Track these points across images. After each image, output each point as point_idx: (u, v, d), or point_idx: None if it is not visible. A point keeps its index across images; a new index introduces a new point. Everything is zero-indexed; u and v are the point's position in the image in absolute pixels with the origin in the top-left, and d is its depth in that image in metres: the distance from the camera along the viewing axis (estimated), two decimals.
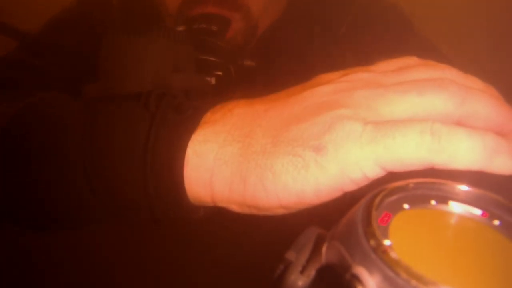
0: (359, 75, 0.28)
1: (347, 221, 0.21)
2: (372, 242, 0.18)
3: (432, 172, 0.23)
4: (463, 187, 0.23)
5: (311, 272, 0.22)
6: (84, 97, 0.39)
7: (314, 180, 0.24)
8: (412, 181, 0.23)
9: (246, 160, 0.26)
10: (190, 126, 0.28)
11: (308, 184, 0.24)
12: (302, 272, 0.23)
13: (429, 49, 0.56)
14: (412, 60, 0.29)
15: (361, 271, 0.17)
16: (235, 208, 0.28)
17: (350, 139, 0.24)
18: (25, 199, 0.33)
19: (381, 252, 0.18)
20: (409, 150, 0.23)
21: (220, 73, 0.45)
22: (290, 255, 0.24)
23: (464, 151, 0.22)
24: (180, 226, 0.35)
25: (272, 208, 0.26)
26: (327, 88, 0.27)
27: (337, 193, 0.25)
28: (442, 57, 0.54)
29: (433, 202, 0.23)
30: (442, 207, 0.23)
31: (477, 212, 0.22)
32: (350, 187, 0.24)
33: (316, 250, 0.23)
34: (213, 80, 0.44)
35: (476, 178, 0.23)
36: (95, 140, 0.30)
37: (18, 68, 0.50)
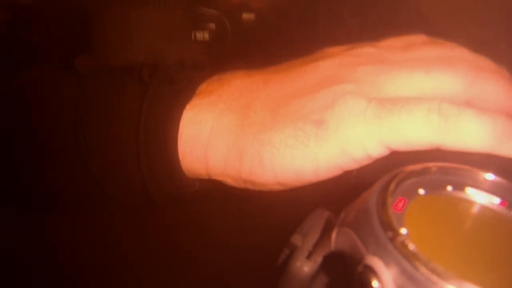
0: (365, 50, 0.26)
1: (360, 207, 0.19)
2: (389, 233, 0.17)
3: (440, 155, 0.22)
4: (481, 174, 0.22)
5: (318, 258, 0.21)
6: (77, 70, 0.38)
7: (313, 156, 0.23)
8: (427, 165, 0.22)
9: (243, 132, 0.25)
10: (184, 96, 0.27)
11: (307, 160, 0.23)
12: (308, 257, 0.22)
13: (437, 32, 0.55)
14: (420, 37, 0.28)
15: (376, 263, 0.16)
16: (230, 182, 0.27)
17: (353, 114, 0.23)
18: (21, 178, 0.32)
19: (398, 243, 0.16)
20: (415, 129, 0.22)
21: (213, 26, 0.43)
22: (296, 239, 0.23)
23: (473, 133, 0.21)
24: (181, 208, 0.34)
25: (268, 184, 0.25)
26: (330, 62, 0.26)
27: (337, 172, 0.24)
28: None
29: (449, 188, 0.21)
30: (459, 193, 0.21)
31: (496, 200, 0.21)
32: (351, 165, 0.23)
33: (324, 234, 0.22)
34: (206, 35, 0.42)
35: (485, 161, 0.22)
36: (88, 115, 0.29)
37: (11, 44, 0.49)
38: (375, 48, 0.27)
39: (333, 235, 0.20)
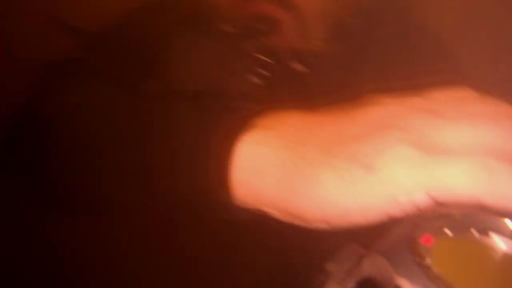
0: (414, 100, 0.28)
1: (391, 237, 0.22)
2: (417, 258, 0.19)
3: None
4: (506, 221, 0.24)
5: (351, 284, 0.24)
6: (140, 91, 0.39)
7: (360, 198, 0.24)
8: (455, 209, 0.24)
9: (295, 167, 0.26)
10: (242, 126, 0.28)
11: (354, 202, 0.24)
12: (341, 283, 0.24)
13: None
14: (467, 92, 0.29)
15: (405, 283, 0.19)
16: (277, 214, 0.28)
17: (401, 162, 0.24)
18: (71, 186, 0.35)
19: (425, 267, 0.19)
20: (459, 182, 0.23)
21: (267, 73, 0.45)
22: (331, 266, 0.25)
23: None
24: (207, 226, 0.36)
25: (315, 220, 0.26)
26: (381, 108, 0.27)
27: (383, 216, 0.24)
28: None
29: (474, 231, 0.23)
30: (484, 238, 0.23)
31: None
32: (396, 211, 0.24)
33: (356, 264, 0.24)
34: (259, 80, 0.44)
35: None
36: (144, 136, 0.31)
37: (75, 66, 0.52)
38: (424, 99, 0.28)
39: (365, 262, 0.23)
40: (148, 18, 0.59)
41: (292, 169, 0.26)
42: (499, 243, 0.23)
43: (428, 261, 0.20)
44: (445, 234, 0.23)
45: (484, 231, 0.24)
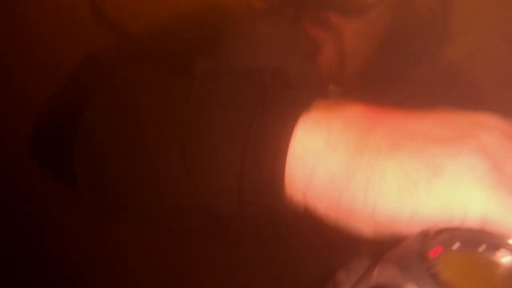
0: (497, 121, 0.26)
1: (402, 246, 0.23)
2: (425, 264, 0.20)
3: None
4: None
5: None
6: (196, 68, 0.37)
7: (415, 202, 0.23)
8: (471, 227, 0.24)
9: (359, 153, 0.24)
10: (303, 103, 0.26)
11: (408, 204, 0.23)
12: None
13: None
14: None
15: (412, 287, 0.19)
16: (321, 209, 0.26)
17: (472, 173, 0.22)
18: (109, 168, 0.33)
19: (432, 273, 0.19)
20: None
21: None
22: (341, 275, 0.25)
23: None
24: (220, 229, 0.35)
25: (362, 218, 0.24)
26: (461, 118, 0.26)
27: (427, 225, 0.23)
28: None
29: (483, 247, 0.24)
30: (492, 254, 0.24)
31: None
32: (444, 222, 0.23)
33: (366, 273, 0.25)
34: (305, 90, 0.44)
35: None
36: (197, 111, 0.29)
37: (126, 57, 0.50)
38: (506, 124, 0.26)
39: (376, 270, 0.23)
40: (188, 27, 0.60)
41: (354, 155, 0.24)
42: (506, 258, 0.24)
43: (437, 269, 0.20)
44: (455, 247, 0.23)
45: (493, 248, 0.24)
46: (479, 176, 0.22)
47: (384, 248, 0.25)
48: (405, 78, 0.57)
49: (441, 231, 0.23)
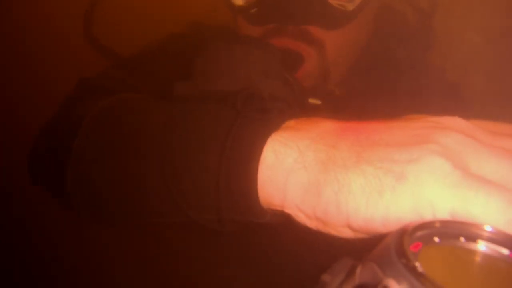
0: (457, 121, 0.27)
1: (381, 245, 0.23)
2: (403, 260, 0.20)
3: None
4: (492, 228, 0.25)
5: None
6: (174, 93, 0.40)
7: (385, 207, 0.24)
8: (445, 220, 0.25)
9: (326, 170, 0.25)
10: (272, 125, 0.28)
11: (379, 210, 0.24)
12: None
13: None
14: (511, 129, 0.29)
15: (391, 282, 0.20)
16: (302, 218, 0.27)
17: (434, 175, 0.23)
18: (99, 188, 0.35)
19: (410, 267, 0.20)
20: (487, 212, 0.23)
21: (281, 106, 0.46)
22: (326, 277, 0.26)
23: None
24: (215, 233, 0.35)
25: (338, 226, 0.26)
26: (422, 123, 0.27)
27: (401, 225, 0.24)
28: None
29: (462, 239, 0.24)
30: (471, 245, 0.24)
31: (505, 252, 0.24)
32: (416, 221, 0.23)
33: (350, 274, 0.25)
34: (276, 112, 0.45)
35: None
36: (176, 133, 0.31)
37: (115, 81, 0.54)
38: (467, 123, 0.27)
39: (358, 270, 0.23)
40: (176, 46, 0.62)
41: (322, 171, 0.26)
42: (484, 247, 0.24)
43: (415, 263, 0.21)
44: (434, 241, 0.24)
45: (471, 238, 0.24)
46: (441, 177, 0.23)
47: (366, 247, 0.26)
48: (391, 85, 0.57)
49: (419, 227, 0.24)
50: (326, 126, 0.28)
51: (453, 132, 0.26)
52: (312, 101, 0.50)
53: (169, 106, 0.35)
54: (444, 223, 0.24)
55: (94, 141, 0.37)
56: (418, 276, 0.19)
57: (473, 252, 0.24)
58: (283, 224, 0.30)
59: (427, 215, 0.24)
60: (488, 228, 0.24)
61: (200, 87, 0.39)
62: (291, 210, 0.28)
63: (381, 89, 0.56)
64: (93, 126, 0.38)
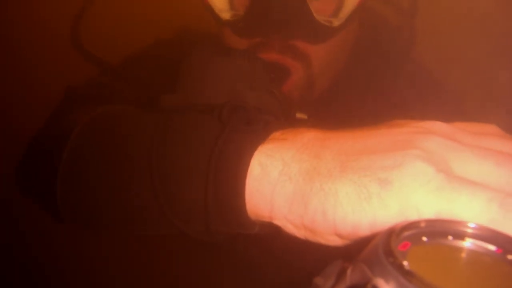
0: (438, 125, 0.28)
1: (370, 246, 0.23)
2: (390, 258, 0.21)
3: None
4: (480, 226, 0.25)
5: None
6: (160, 105, 0.41)
7: (372, 214, 0.25)
8: (433, 219, 0.25)
9: (311, 180, 0.26)
10: (258, 138, 0.29)
11: (366, 217, 0.25)
12: None
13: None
14: (494, 129, 0.29)
15: (380, 282, 0.20)
16: (290, 228, 0.28)
17: (418, 180, 0.24)
18: (88, 199, 0.35)
19: (396, 265, 0.20)
20: (470, 212, 0.23)
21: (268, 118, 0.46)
22: (319, 280, 0.26)
23: None
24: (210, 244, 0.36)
25: (326, 234, 0.26)
26: (406, 129, 0.27)
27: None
28: None
29: (450, 237, 0.25)
30: (459, 242, 0.25)
31: (492, 248, 0.24)
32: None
33: (341, 277, 0.26)
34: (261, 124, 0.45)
35: None
36: (164, 146, 0.32)
37: (102, 88, 0.55)
38: (448, 126, 0.28)
39: (349, 271, 0.24)
40: (163, 51, 0.63)
41: (308, 182, 0.26)
42: (472, 244, 0.24)
43: (402, 261, 0.21)
44: (422, 241, 0.24)
45: (460, 237, 0.25)
46: (425, 181, 0.24)
47: (357, 249, 0.26)
48: (379, 88, 0.58)
49: (406, 227, 0.24)
50: (311, 136, 0.29)
51: (435, 136, 0.26)
52: (299, 115, 0.51)
53: (156, 117, 0.35)
54: (430, 222, 0.24)
55: (83, 152, 0.38)
56: (405, 274, 0.19)
57: (461, 250, 0.24)
58: (273, 233, 0.30)
59: (413, 218, 0.24)
60: (472, 224, 0.25)
61: (186, 99, 0.40)
62: (279, 221, 0.28)
63: (367, 93, 0.57)
64: (82, 138, 0.38)
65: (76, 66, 0.63)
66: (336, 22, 0.50)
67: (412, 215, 0.24)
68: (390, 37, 0.61)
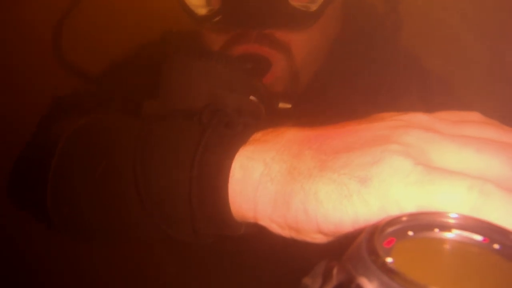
0: (418, 117, 0.28)
1: (354, 244, 0.23)
2: (372, 257, 0.20)
3: None
4: (465, 216, 0.25)
5: None
6: (142, 112, 0.41)
7: (353, 212, 0.25)
8: (416, 212, 0.25)
9: (292, 180, 0.26)
10: (239, 140, 0.29)
11: (347, 215, 0.25)
12: None
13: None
14: (475, 115, 0.29)
15: (363, 280, 0.20)
16: (275, 228, 0.28)
17: (396, 175, 0.24)
18: (78, 207, 0.36)
19: (379, 263, 0.20)
20: (452, 202, 0.23)
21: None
22: (307, 280, 0.26)
23: (509, 220, 0.22)
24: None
25: (310, 233, 0.27)
26: (384, 123, 0.27)
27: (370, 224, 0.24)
28: None
29: (436, 230, 0.24)
30: (445, 234, 0.24)
31: (478, 238, 0.24)
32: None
33: (327, 277, 0.25)
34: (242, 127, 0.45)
35: None
36: (147, 151, 0.32)
37: (88, 97, 0.55)
38: (428, 117, 0.28)
39: (335, 271, 0.23)
40: (144, 57, 0.62)
41: (289, 182, 0.26)
42: (458, 235, 0.24)
43: (387, 260, 0.21)
44: (408, 235, 0.24)
45: (446, 228, 0.25)
46: (403, 176, 0.24)
47: (345, 246, 0.26)
48: (366, 75, 0.58)
49: (390, 223, 0.24)
50: (291, 136, 0.29)
51: (414, 129, 0.26)
52: (282, 105, 0.51)
53: (138, 124, 0.36)
54: (413, 216, 0.24)
55: (71, 160, 0.38)
56: (388, 272, 0.19)
57: (446, 242, 0.24)
58: (260, 233, 0.30)
59: (395, 213, 0.24)
60: (455, 215, 0.25)
61: (167, 105, 0.40)
62: (264, 222, 0.28)
63: (355, 84, 0.56)
64: (69, 146, 0.39)
65: (61, 76, 0.64)
66: (313, 7, 0.50)
67: (394, 211, 0.24)
68: (377, 25, 0.60)
